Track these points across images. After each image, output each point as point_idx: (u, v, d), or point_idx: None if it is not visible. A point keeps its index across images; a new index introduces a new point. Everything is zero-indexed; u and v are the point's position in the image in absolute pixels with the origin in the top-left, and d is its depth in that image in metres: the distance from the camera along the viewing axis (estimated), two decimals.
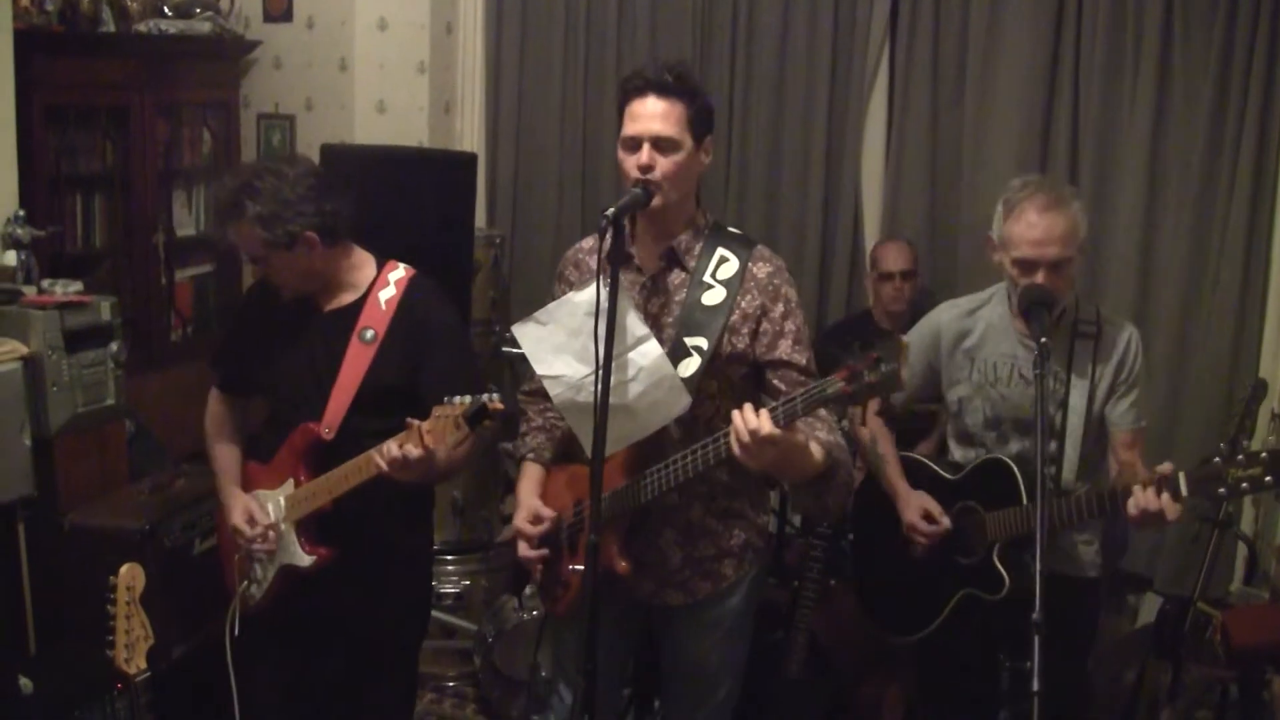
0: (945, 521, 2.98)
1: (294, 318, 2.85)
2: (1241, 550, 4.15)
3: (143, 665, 2.55)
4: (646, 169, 2.43)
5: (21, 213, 4.11)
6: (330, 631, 2.91)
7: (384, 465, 2.56)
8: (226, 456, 3.00)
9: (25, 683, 3.46)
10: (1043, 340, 2.58)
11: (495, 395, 2.45)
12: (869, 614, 3.31)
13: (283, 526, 2.82)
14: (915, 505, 3.03)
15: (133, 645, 2.55)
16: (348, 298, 2.84)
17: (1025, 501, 2.81)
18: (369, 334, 2.77)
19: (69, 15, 4.61)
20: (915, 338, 3.07)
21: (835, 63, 4.86)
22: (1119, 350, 2.89)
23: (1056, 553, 2.86)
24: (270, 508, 2.84)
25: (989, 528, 2.89)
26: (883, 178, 4.89)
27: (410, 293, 2.83)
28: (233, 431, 3.03)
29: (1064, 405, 2.87)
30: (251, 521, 2.82)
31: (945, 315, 3.09)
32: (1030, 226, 2.75)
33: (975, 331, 3.00)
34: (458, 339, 2.90)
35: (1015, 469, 2.85)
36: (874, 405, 3.12)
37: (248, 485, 2.93)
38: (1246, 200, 4.13)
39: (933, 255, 4.71)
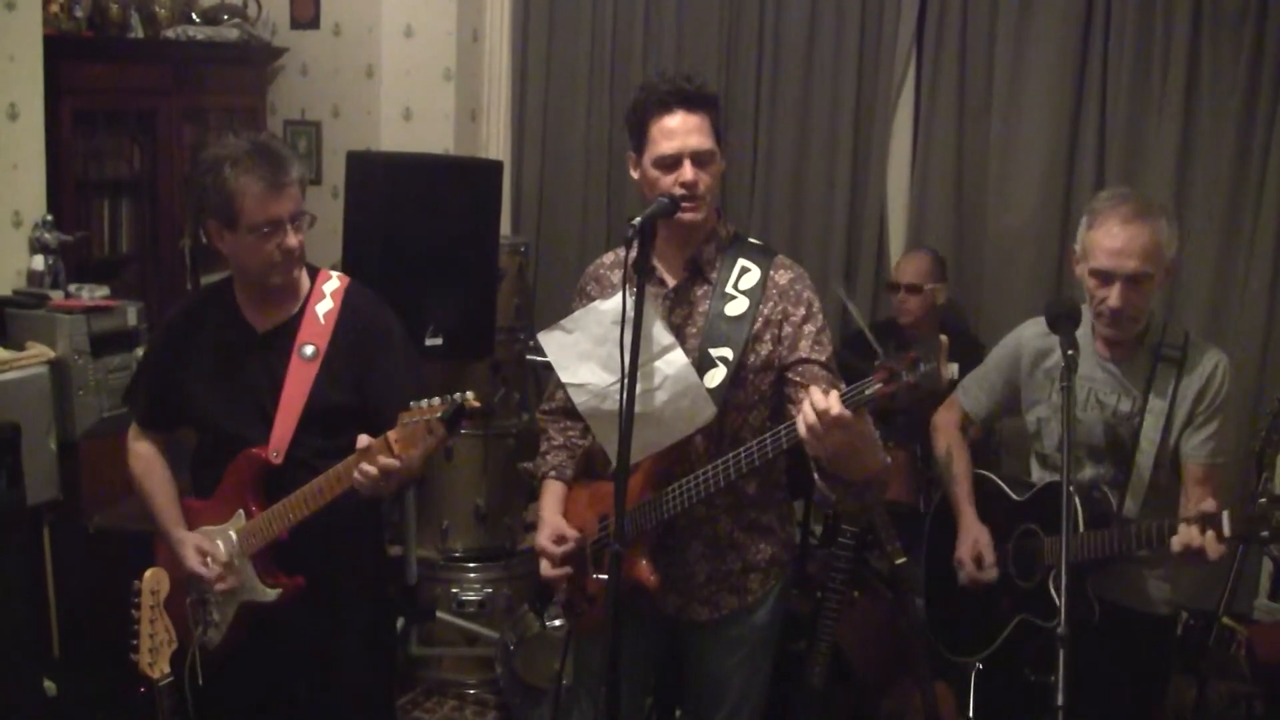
0: (992, 573, 2.91)
1: (226, 343, 2.73)
2: (1266, 565, 4.12)
3: (166, 669, 2.57)
4: (692, 186, 2.41)
5: (49, 217, 4.15)
6: (297, 656, 2.77)
7: (361, 479, 2.46)
8: (164, 497, 2.82)
9: (49, 685, 3.48)
10: (1069, 353, 2.55)
11: (470, 394, 2.37)
12: (932, 631, 3.21)
13: (237, 562, 2.67)
14: (970, 541, 2.96)
15: (156, 649, 2.56)
16: (284, 312, 2.71)
17: (1083, 529, 2.70)
18: (309, 350, 2.66)
19: (98, 21, 4.65)
20: (997, 355, 3.05)
21: (861, 73, 4.85)
22: (1202, 376, 2.75)
23: (1122, 583, 2.79)
24: (221, 544, 2.69)
25: (1046, 553, 2.82)
26: (908, 189, 4.87)
27: (348, 303, 2.73)
28: (164, 470, 2.87)
29: (1138, 430, 2.78)
30: (208, 561, 2.68)
31: (1027, 332, 2.99)
32: (1111, 236, 2.65)
33: (1057, 351, 2.84)
34: (401, 344, 2.78)
35: (1075, 495, 2.71)
36: (953, 415, 3.12)
37: (189, 524, 2.78)
38: (1274, 212, 4.10)
39: (958, 266, 4.69)
